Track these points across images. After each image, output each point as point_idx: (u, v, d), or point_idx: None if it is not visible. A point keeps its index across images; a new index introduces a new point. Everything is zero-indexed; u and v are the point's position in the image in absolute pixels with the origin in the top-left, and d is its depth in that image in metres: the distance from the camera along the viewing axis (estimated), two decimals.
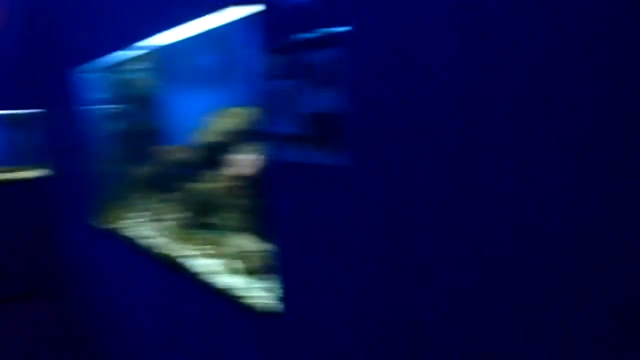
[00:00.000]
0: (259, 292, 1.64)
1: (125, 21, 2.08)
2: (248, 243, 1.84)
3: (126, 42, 2.04)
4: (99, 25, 2.35)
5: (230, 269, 1.85)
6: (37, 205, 4.57)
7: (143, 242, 2.28)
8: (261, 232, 2.03)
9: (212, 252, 2.02)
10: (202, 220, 2.27)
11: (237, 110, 2.24)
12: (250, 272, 1.78)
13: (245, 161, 1.97)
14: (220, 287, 1.73)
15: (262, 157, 1.99)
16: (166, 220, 2.42)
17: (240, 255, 1.88)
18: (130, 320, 2.52)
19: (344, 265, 1.03)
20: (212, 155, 2.24)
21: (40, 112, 3.70)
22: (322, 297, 1.11)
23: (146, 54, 2.84)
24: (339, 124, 1.09)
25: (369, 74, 0.91)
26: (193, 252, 2.05)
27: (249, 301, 1.58)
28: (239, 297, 1.63)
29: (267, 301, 1.53)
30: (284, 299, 1.29)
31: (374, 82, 0.90)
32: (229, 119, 2.19)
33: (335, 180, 1.04)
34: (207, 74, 2.50)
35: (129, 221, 2.58)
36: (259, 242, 1.83)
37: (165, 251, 2.11)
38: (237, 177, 1.99)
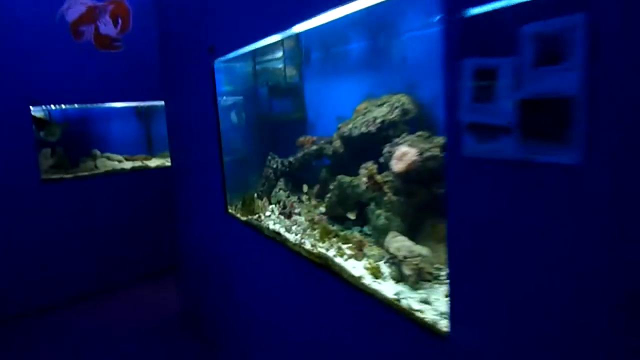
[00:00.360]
0: (415, 304, 1.42)
1: (271, 5, 1.95)
2: (402, 246, 1.62)
3: (271, 29, 1.91)
4: (241, 11, 2.26)
5: (379, 273, 1.65)
6: (162, 192, 4.84)
7: (282, 235, 2.17)
8: (418, 235, 1.81)
9: (359, 251, 1.83)
10: (348, 216, 2.11)
11: (392, 97, 2.03)
12: (405, 279, 1.56)
13: (406, 155, 1.74)
14: (368, 292, 1.54)
15: (426, 150, 1.76)
16: (308, 213, 2.29)
17: (392, 259, 1.67)
18: (264, 313, 2.44)
19: (548, 286, 0.86)
20: (364, 146, 2.06)
21: (166, 103, 3.83)
22: (506, 321, 0.96)
23: (289, 40, 2.76)
24: (568, 111, 0.83)
25: (617, 46, 0.65)
26: (337, 251, 1.88)
27: (404, 314, 1.37)
28: (392, 307, 1.42)
29: (426, 316, 1.30)
30: (452, 316, 1.04)
31: (622, 56, 0.64)
32: (383, 107, 1.99)
33: (554, 182, 0.86)
34: (357, 59, 2.33)
35: (267, 212, 2.50)
36: (415, 246, 1.60)
37: (307, 247, 1.97)
38: (395, 173, 1.77)
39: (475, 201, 1.03)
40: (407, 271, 1.56)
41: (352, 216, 2.12)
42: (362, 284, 1.60)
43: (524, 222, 0.92)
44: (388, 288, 1.57)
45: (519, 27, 0.92)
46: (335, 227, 2.12)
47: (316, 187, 2.54)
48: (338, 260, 1.80)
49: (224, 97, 2.75)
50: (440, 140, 1.76)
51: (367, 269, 1.71)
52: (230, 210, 2.76)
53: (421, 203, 1.81)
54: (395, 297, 1.49)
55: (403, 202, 1.77)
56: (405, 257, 1.58)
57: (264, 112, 3.02)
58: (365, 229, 2.00)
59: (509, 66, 0.95)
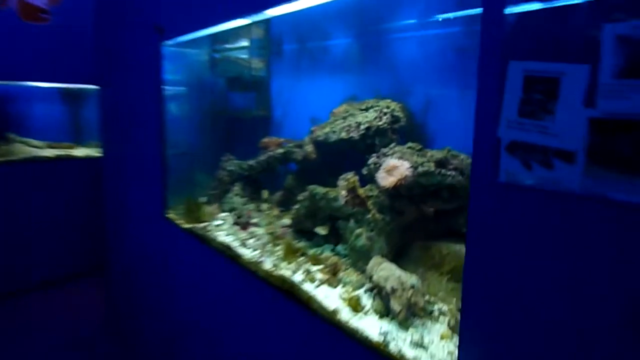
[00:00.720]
0: (408, 348, 1.18)
1: None
2: (389, 275, 1.38)
3: (235, 11, 1.62)
4: None
5: (359, 306, 1.39)
6: (90, 185, 4.31)
7: (234, 249, 1.86)
8: (404, 260, 1.58)
9: (332, 276, 1.57)
10: (317, 231, 1.83)
11: (380, 102, 1.80)
12: (393, 314, 1.32)
13: (397, 168, 1.51)
14: (346, 330, 1.28)
15: (420, 164, 1.53)
16: (268, 225, 1.99)
17: (376, 289, 1.42)
18: (208, 335, 2.09)
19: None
20: (342, 154, 1.80)
21: (101, 88, 3.39)
22: None
23: (257, 27, 2.46)
24: None
25: None
26: (306, 274, 1.60)
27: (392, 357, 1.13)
28: (379, 352, 1.18)
29: None
30: None
31: None
32: (369, 112, 1.75)
33: (632, 226, 0.67)
34: (338, 55, 2.08)
35: (218, 221, 2.17)
36: (405, 275, 1.37)
37: (267, 267, 1.68)
38: (383, 187, 1.53)
39: (510, 240, 0.82)
40: (395, 305, 1.31)
41: (322, 231, 1.84)
42: (338, 320, 1.33)
43: (580, 272, 0.71)
44: (371, 325, 1.31)
45: (599, 27, 0.71)
46: (301, 244, 1.83)
47: (278, 194, 2.24)
48: (307, 286, 1.52)
49: (172, 87, 2.39)
50: (434, 154, 1.55)
51: (343, 299, 1.44)
52: (170, 215, 2.39)
53: (409, 223, 1.58)
54: (382, 338, 1.23)
55: (389, 221, 1.54)
56: (394, 290, 1.33)
57: (220, 106, 2.67)
58: (340, 248, 1.73)
59: (580, 75, 0.73)
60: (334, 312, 1.36)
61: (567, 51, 0.74)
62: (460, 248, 1.46)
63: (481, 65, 0.86)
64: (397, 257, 1.57)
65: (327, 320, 1.35)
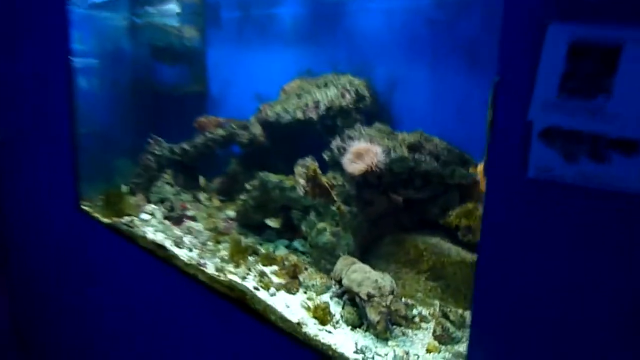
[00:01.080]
0: None
1: None
2: (363, 278, 1.19)
3: None
4: None
5: (327, 316, 1.19)
6: None
7: (169, 249, 1.57)
8: (374, 256, 1.39)
9: (292, 279, 1.35)
10: (268, 223, 1.58)
11: (340, 78, 1.58)
12: (370, 325, 1.14)
13: (367, 152, 1.31)
14: (314, 347, 1.08)
15: (392, 149, 1.34)
16: (208, 219, 1.71)
17: (346, 295, 1.22)
18: (137, 348, 1.77)
19: None
20: (298, 137, 1.57)
21: None
22: None
23: None
24: None
25: None
26: (259, 278, 1.36)
27: None
28: None
29: None
30: None
31: None
32: (329, 89, 1.53)
33: None
34: (289, 25, 1.81)
35: (145, 215, 1.85)
36: (382, 278, 1.18)
37: (210, 271, 1.42)
38: (351, 175, 1.33)
39: (543, 250, 0.66)
40: (372, 315, 1.12)
41: (273, 224, 1.60)
42: (305, 334, 1.11)
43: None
44: (344, 339, 1.11)
45: None
46: (250, 240, 1.58)
47: (218, 182, 1.95)
48: (261, 294, 1.28)
49: (84, 58, 2.01)
50: (406, 137, 1.37)
51: (307, 308, 1.22)
52: (86, 207, 2.01)
53: (378, 215, 1.40)
54: (360, 356, 1.04)
55: (356, 213, 1.34)
56: (370, 296, 1.14)
57: (144, 80, 2.29)
58: (297, 244, 1.51)
59: None
60: (299, 325, 1.14)
61: (632, 11, 0.57)
62: (438, 242, 1.31)
63: (505, 28, 0.66)
64: (366, 253, 1.38)
65: (289, 335, 1.13)
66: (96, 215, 1.96)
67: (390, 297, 1.14)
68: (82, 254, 2.12)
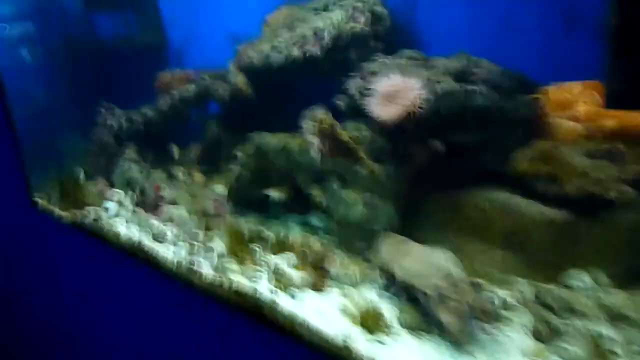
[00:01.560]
0: None
1: None
2: (423, 266, 0.86)
3: None
4: None
5: (377, 322, 0.87)
6: None
7: (148, 249, 1.21)
8: (422, 227, 1.05)
9: (318, 275, 1.01)
10: (271, 195, 1.21)
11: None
12: (443, 330, 0.82)
13: (403, 89, 0.95)
14: None
15: (436, 82, 0.98)
16: (193, 199, 1.35)
17: (405, 289, 0.89)
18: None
19: None
20: (295, 82, 1.18)
21: None
22: None
23: None
24: None
25: None
26: (274, 277, 1.02)
27: None
28: None
29: None
30: None
31: None
32: (334, 12, 1.13)
33: None
34: None
35: (111, 204, 1.47)
36: (446, 261, 0.86)
37: (207, 272, 1.08)
38: (383, 122, 0.98)
39: None
40: (446, 316, 0.80)
41: (278, 194, 1.23)
42: (354, 355, 0.79)
43: None
44: (409, 353, 0.79)
45: None
46: (250, 221, 1.23)
47: (194, 150, 1.55)
48: (283, 300, 0.94)
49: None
50: (448, 64, 1.01)
51: (349, 314, 0.89)
52: (39, 200, 1.64)
53: (419, 171, 1.05)
54: None
55: (393, 173, 0.99)
56: (439, 291, 0.81)
57: (82, 38, 1.82)
58: (314, 219, 1.16)
59: None
60: (344, 342, 0.81)
61: None
62: (507, 198, 0.97)
63: None
64: (409, 222, 1.04)
65: (330, 355, 0.80)
66: (52, 208, 1.58)
67: (467, 288, 0.81)
68: (43, 258, 1.76)
